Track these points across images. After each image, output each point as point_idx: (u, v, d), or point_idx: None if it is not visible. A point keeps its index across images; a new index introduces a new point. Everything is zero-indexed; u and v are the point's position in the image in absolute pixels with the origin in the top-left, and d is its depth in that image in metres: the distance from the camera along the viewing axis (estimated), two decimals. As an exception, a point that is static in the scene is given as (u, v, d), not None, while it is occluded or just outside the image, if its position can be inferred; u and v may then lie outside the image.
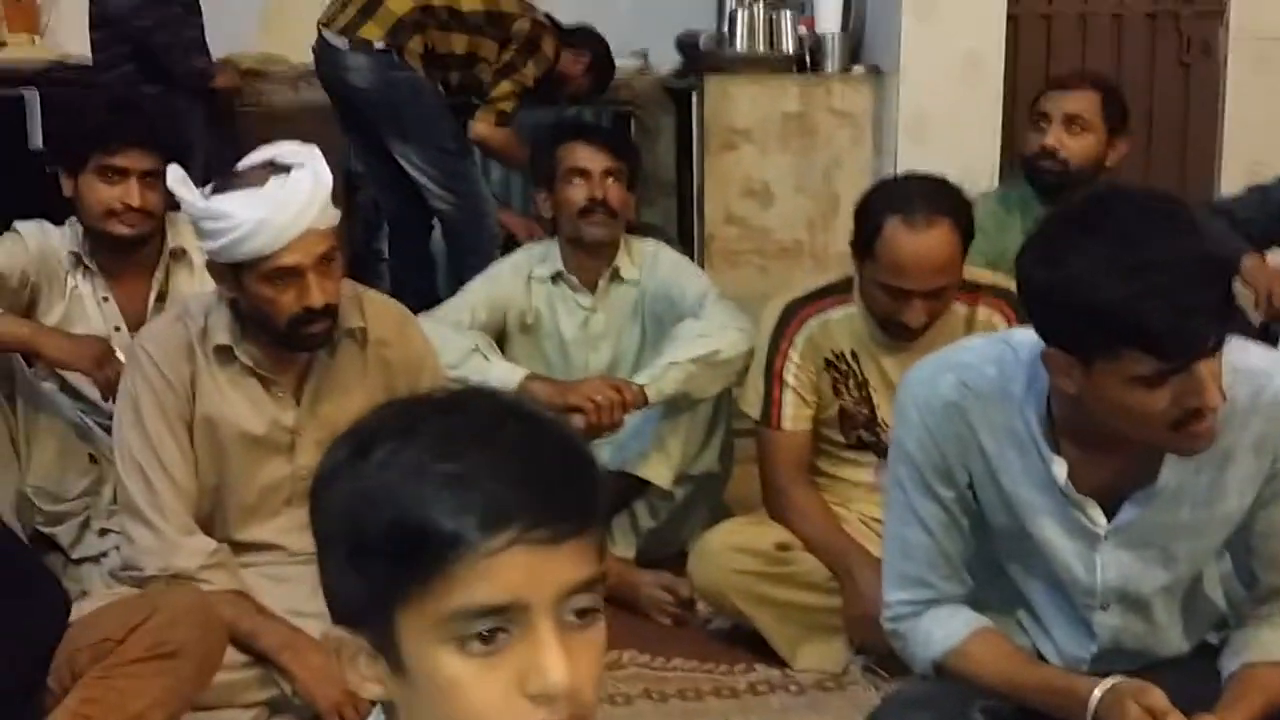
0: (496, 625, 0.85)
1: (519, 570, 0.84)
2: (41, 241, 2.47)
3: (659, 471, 2.54)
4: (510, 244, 3.48)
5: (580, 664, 0.86)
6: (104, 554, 2.42)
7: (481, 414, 0.90)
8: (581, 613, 0.88)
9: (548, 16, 3.70)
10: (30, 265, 2.45)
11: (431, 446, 0.87)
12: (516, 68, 3.56)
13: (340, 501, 0.88)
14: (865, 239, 2.14)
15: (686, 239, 3.81)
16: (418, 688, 0.87)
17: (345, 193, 3.85)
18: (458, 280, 3.67)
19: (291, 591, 2.01)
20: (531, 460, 0.87)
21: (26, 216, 2.50)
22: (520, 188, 4.10)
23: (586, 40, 3.80)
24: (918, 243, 2.09)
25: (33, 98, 3.20)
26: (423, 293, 3.49)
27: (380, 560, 0.86)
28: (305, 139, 2.00)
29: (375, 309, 2.12)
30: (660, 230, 3.71)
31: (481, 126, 3.52)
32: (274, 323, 1.96)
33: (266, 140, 2.03)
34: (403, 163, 3.56)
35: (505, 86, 3.54)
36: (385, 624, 0.86)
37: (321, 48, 3.53)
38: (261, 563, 2.10)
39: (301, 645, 1.95)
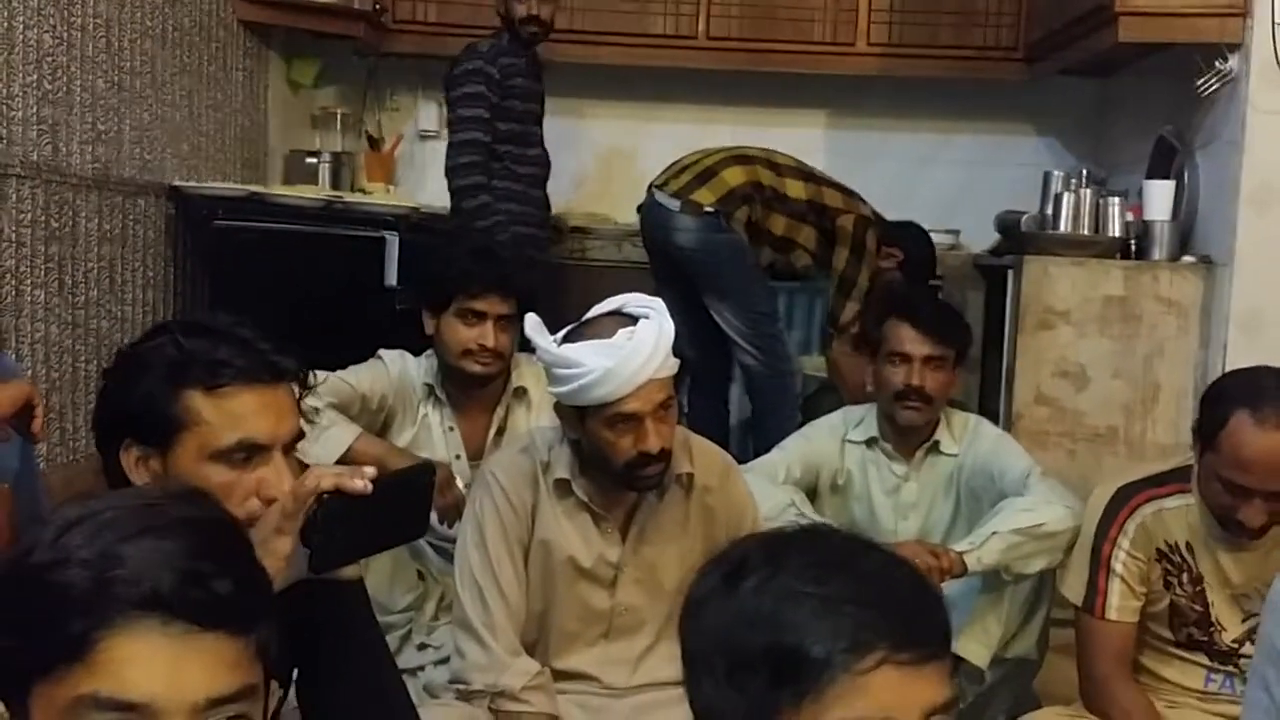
0: None
1: (888, 690, 0.88)
2: (401, 370, 2.69)
3: (975, 649, 2.47)
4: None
5: None
6: (420, 668, 2.55)
7: (840, 545, 0.96)
8: None
9: (873, 213, 3.83)
10: (389, 390, 2.67)
11: (800, 574, 0.92)
12: (854, 281, 3.71)
13: (717, 623, 0.94)
14: (1209, 429, 2.07)
15: (989, 416, 3.77)
16: None
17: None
18: (755, 437, 3.78)
19: (601, 722, 2.07)
20: (890, 587, 0.91)
21: (377, 346, 2.73)
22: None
23: (905, 238, 3.89)
24: (1266, 441, 2.01)
25: (392, 240, 3.50)
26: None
27: (758, 679, 0.90)
28: (621, 292, 2.12)
29: (702, 456, 2.20)
30: (962, 405, 3.70)
31: (837, 353, 3.66)
32: (612, 464, 2.05)
33: (590, 291, 2.15)
34: (717, 319, 3.70)
35: (851, 309, 3.70)
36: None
37: (651, 206, 3.75)
38: (575, 691, 2.16)
39: None
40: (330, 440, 2.52)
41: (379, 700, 1.66)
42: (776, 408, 3.75)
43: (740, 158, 3.74)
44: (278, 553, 1.43)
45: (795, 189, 3.73)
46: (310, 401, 2.45)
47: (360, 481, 1.46)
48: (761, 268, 3.75)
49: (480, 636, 2.10)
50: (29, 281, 2.95)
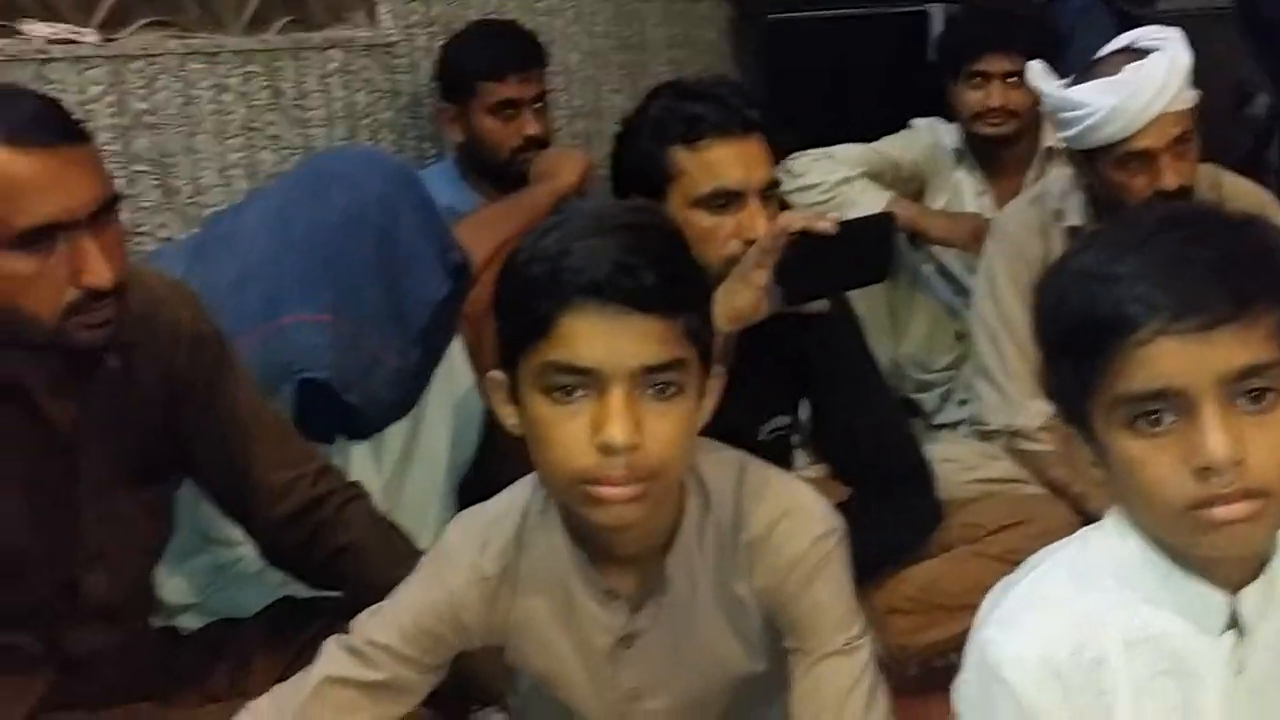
0: (1157, 408, 0.94)
1: (1168, 359, 0.92)
2: (932, 137, 2.76)
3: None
4: None
5: (1251, 442, 0.93)
6: (960, 422, 2.68)
7: (1152, 222, 0.99)
8: (1256, 395, 0.94)
9: None
10: (920, 157, 2.76)
11: (1100, 252, 0.98)
12: None
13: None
14: None
15: None
16: (1110, 466, 0.99)
17: (1236, 103, 3.73)
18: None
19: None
20: (1178, 261, 0.94)
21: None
22: None
23: None
24: None
25: (936, 13, 3.50)
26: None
27: (1065, 357, 0.99)
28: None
29: (1234, 190, 2.10)
30: None
31: None
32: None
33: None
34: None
35: None
36: (1083, 414, 0.99)
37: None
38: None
39: None
40: (863, 207, 2.67)
41: (871, 413, 1.83)
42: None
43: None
44: (755, 285, 1.63)
45: None
46: (842, 171, 2.62)
47: (826, 224, 1.63)
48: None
49: (997, 381, 2.19)
50: (606, 88, 3.33)
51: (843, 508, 1.31)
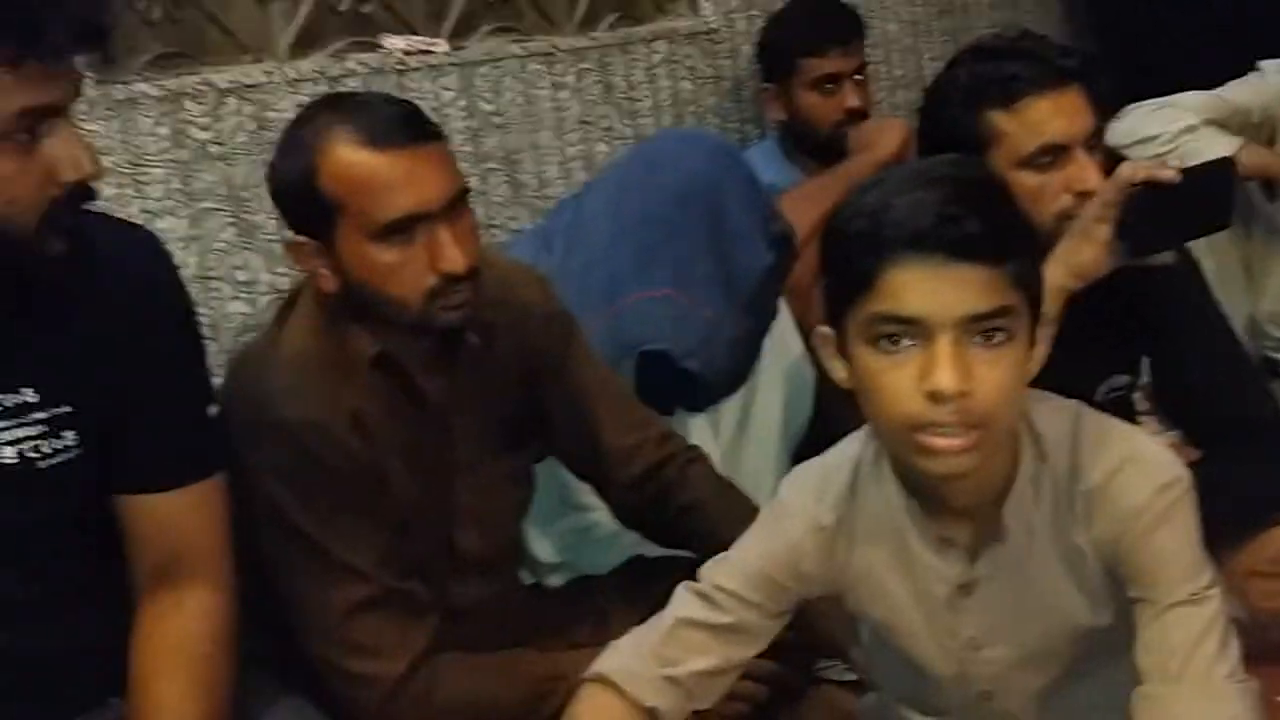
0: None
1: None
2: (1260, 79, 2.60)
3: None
4: None
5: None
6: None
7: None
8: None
9: None
10: (1271, 102, 2.60)
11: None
12: None
13: None
14: None
15: None
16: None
17: None
18: None
19: None
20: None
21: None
22: None
23: None
24: None
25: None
26: None
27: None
28: None
29: None
30: None
31: None
32: None
33: None
34: None
35: None
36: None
37: None
38: None
39: None
40: (1210, 153, 2.53)
41: (1221, 367, 1.76)
42: None
43: None
44: (1098, 239, 1.60)
45: None
46: (1185, 120, 2.51)
47: (1169, 172, 1.57)
48: None
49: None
50: (927, 56, 3.31)
51: (1194, 468, 1.27)
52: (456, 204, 1.46)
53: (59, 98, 1.17)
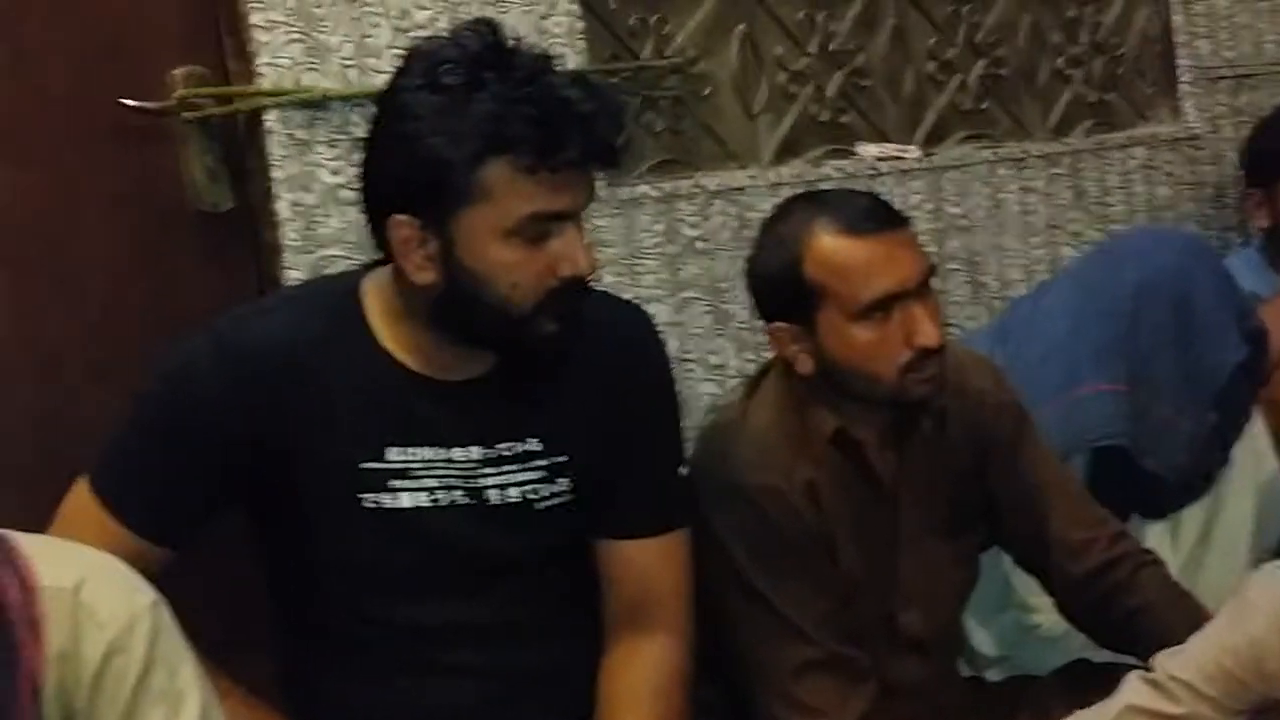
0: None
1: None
2: None
3: None
4: None
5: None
6: None
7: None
8: None
9: None
10: None
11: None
12: None
13: None
14: None
15: None
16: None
17: None
18: None
19: None
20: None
21: None
22: None
23: None
24: None
25: None
26: None
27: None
28: None
29: None
30: None
31: None
32: None
33: None
34: None
35: None
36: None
37: None
38: None
39: None
40: None
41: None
42: None
43: None
44: None
45: None
46: None
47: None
48: None
49: None
50: None
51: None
52: (927, 283, 1.56)
53: (568, 205, 1.32)
